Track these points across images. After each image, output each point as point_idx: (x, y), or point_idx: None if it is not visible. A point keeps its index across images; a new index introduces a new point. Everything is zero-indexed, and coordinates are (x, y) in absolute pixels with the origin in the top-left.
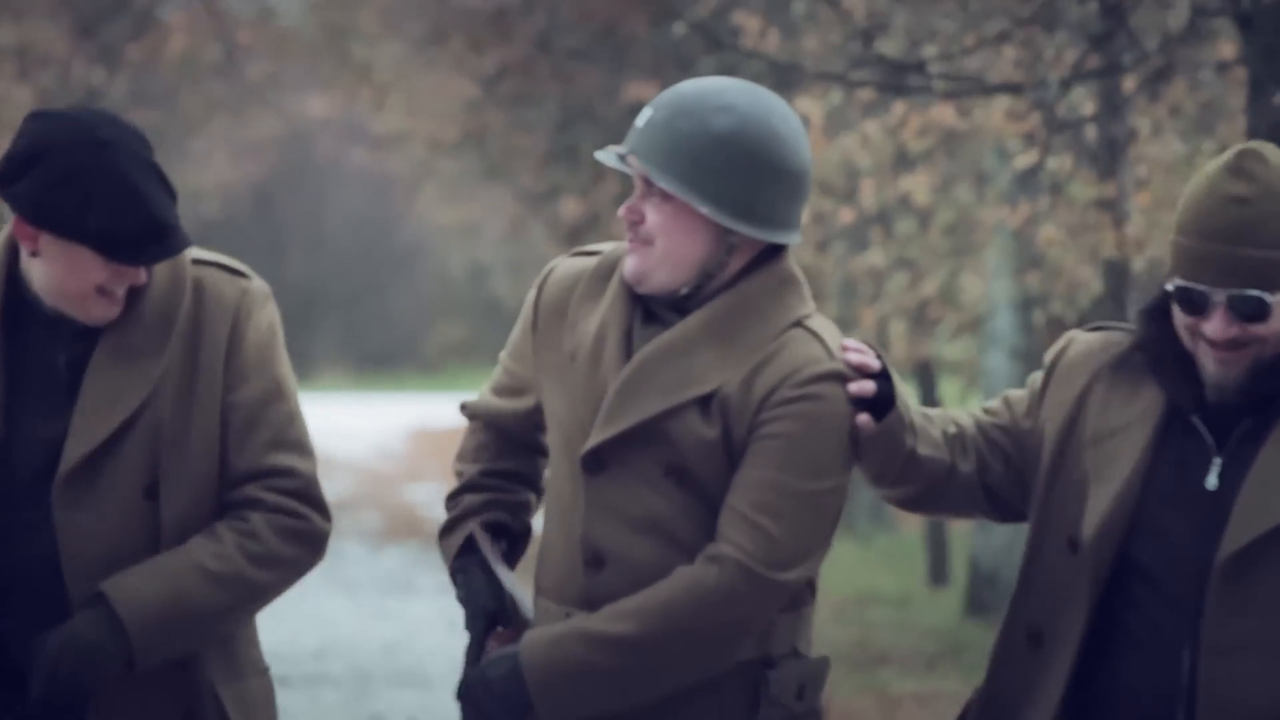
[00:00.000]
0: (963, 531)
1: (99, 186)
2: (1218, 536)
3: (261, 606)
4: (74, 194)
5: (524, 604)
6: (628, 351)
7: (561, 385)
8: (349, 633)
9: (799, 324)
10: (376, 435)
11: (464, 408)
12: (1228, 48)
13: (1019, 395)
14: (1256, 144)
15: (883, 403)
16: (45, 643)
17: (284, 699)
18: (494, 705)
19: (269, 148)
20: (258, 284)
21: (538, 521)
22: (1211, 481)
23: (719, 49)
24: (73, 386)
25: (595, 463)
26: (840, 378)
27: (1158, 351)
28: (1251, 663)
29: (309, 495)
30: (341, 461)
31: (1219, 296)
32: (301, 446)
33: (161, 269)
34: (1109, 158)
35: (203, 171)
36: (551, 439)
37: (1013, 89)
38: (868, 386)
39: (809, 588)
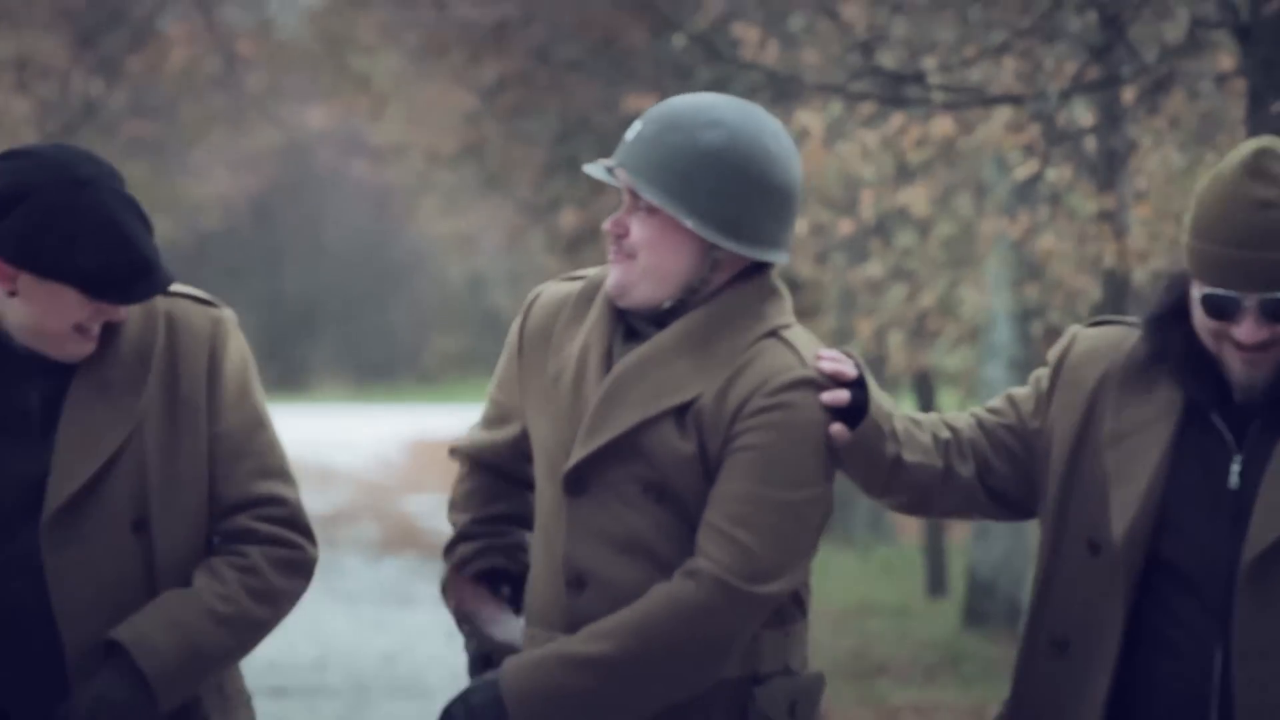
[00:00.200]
0: (961, 542)
1: (84, 226)
2: (1243, 536)
3: (261, 641)
4: (59, 235)
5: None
6: (608, 370)
7: (546, 409)
8: (347, 643)
9: (773, 333)
10: (375, 446)
11: (453, 451)
12: (1226, 59)
13: (1024, 394)
14: (1269, 141)
15: (858, 412)
16: (73, 709)
17: (283, 710)
18: None
19: (268, 160)
20: (227, 313)
21: None
22: (1233, 480)
23: (718, 60)
24: (47, 423)
25: (577, 483)
26: (813, 385)
27: (1176, 355)
28: None
29: (299, 523)
30: (340, 472)
31: (1249, 301)
32: (285, 473)
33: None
34: (1108, 169)
35: (202, 183)
36: (537, 465)
37: (1012, 100)
38: (841, 395)
39: (798, 605)
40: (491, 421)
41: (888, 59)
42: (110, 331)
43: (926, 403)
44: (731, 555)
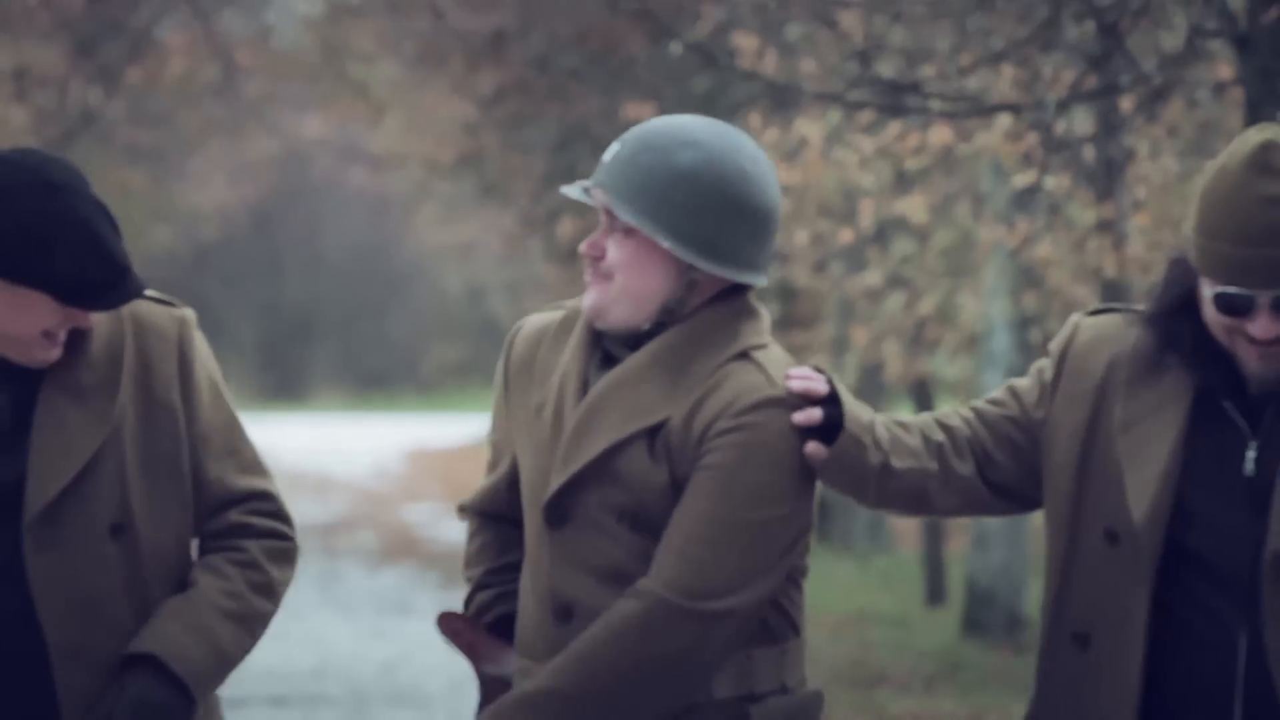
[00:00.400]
0: (960, 551)
1: (59, 232)
2: (1263, 524)
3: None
4: (34, 241)
5: None
6: (584, 396)
7: (530, 440)
8: (346, 652)
9: (744, 354)
10: (374, 455)
11: (460, 509)
12: (1225, 68)
13: (1026, 385)
14: (1273, 133)
15: (834, 428)
16: (114, 715)
17: (282, 719)
18: None
19: (267, 169)
20: (189, 312)
21: None
22: (1249, 467)
23: (716, 69)
24: (17, 427)
25: (557, 514)
26: (781, 404)
27: (1185, 345)
28: None
29: (284, 514)
30: (339, 481)
31: (1263, 298)
32: (262, 466)
33: None
34: (1106, 178)
35: (201, 193)
36: (523, 496)
37: (1010, 109)
38: (812, 414)
39: (789, 624)
40: (492, 465)
41: (886, 68)
42: (78, 335)
43: (924, 411)
44: (676, 572)
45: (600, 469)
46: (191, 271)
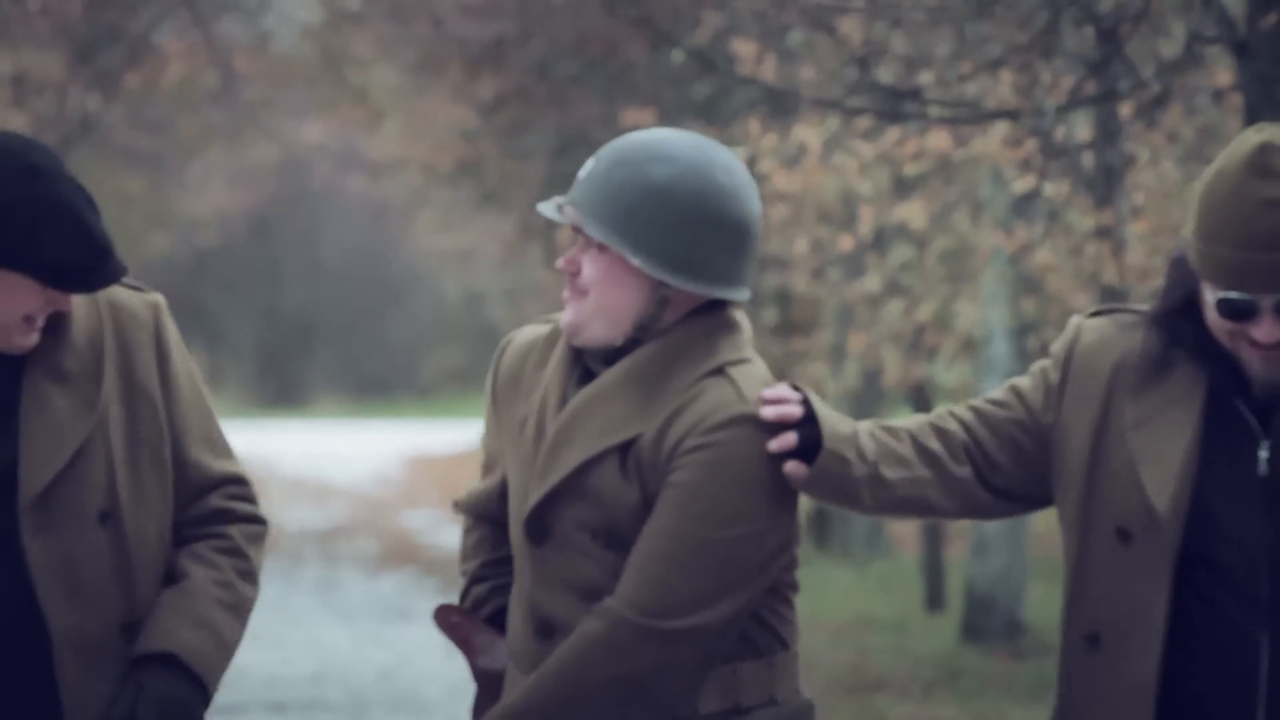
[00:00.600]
0: (959, 557)
1: (43, 215)
2: (1277, 524)
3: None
4: (18, 225)
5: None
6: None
7: (515, 454)
8: (346, 659)
9: (719, 370)
10: (373, 461)
11: (456, 505)
12: (1224, 74)
13: (1030, 386)
14: (1270, 134)
15: (814, 446)
16: (139, 714)
17: None
18: None
19: (266, 175)
20: (160, 297)
21: None
22: (1262, 468)
23: (715, 75)
24: (2, 413)
25: (538, 530)
26: (751, 422)
27: (1191, 346)
28: None
29: (254, 498)
30: (338, 488)
31: (1266, 302)
32: (231, 450)
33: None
34: (1105, 184)
35: (200, 199)
36: (509, 510)
37: (1009, 115)
38: (787, 440)
39: (775, 637)
40: (486, 469)
41: (885, 73)
42: (57, 321)
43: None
44: (639, 590)
45: (573, 486)
46: (191, 278)
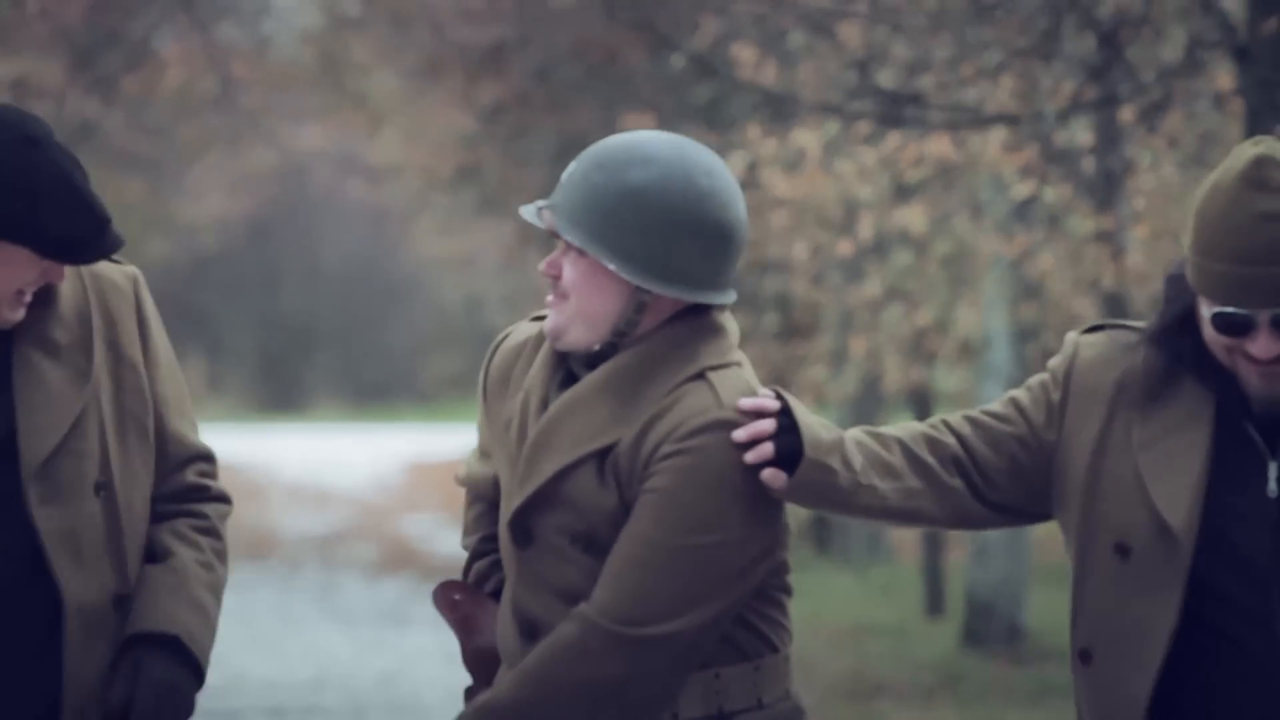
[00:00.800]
0: (959, 563)
1: (42, 186)
2: None
3: None
4: (17, 196)
5: None
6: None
7: (501, 455)
8: (345, 664)
9: (700, 375)
10: (372, 467)
11: (458, 479)
12: (1225, 79)
13: (1030, 402)
14: (1266, 147)
15: (798, 454)
16: (139, 697)
17: None
18: None
19: (265, 180)
20: (136, 269)
21: None
22: (1272, 488)
23: (715, 79)
24: None
25: (521, 533)
26: (728, 427)
27: (1192, 364)
28: None
29: (216, 475)
30: (337, 493)
31: (1262, 317)
32: (196, 425)
33: None
34: (1106, 189)
35: (199, 204)
36: (500, 506)
37: (1009, 120)
38: (764, 450)
39: (762, 641)
40: (483, 454)
41: (885, 78)
42: (44, 293)
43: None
44: (612, 597)
45: (552, 493)
46: (190, 283)
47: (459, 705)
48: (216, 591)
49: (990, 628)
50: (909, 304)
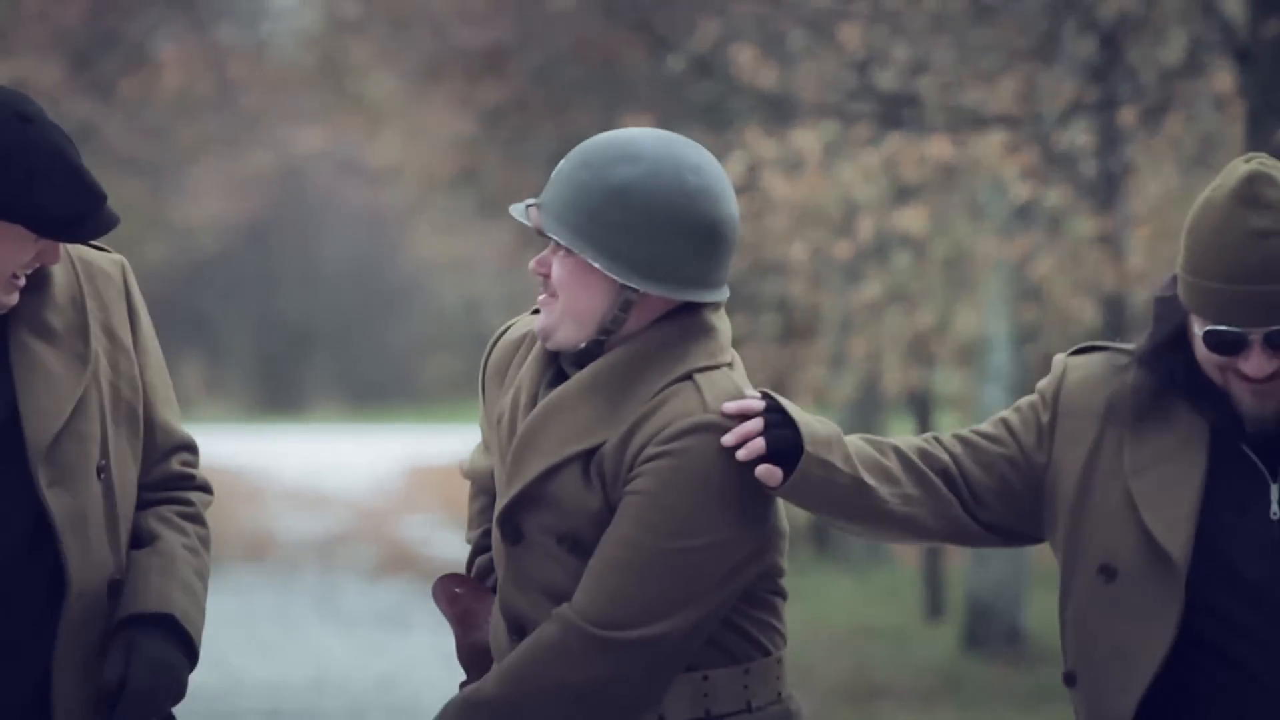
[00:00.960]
0: (959, 565)
1: (39, 163)
2: None
3: None
4: (13, 173)
5: None
6: None
7: (495, 450)
8: (343, 667)
9: (688, 376)
10: (371, 469)
11: (462, 470)
12: (1226, 81)
13: (1020, 424)
14: (1259, 163)
15: (792, 452)
16: (133, 674)
17: None
18: None
19: (264, 182)
20: (122, 256)
21: None
22: (1275, 510)
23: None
24: None
25: (511, 530)
26: (712, 429)
27: (1184, 384)
28: None
29: (199, 464)
30: (336, 495)
31: (1255, 335)
32: (179, 414)
33: None
34: (1107, 191)
35: (198, 206)
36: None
37: (1009, 121)
38: (755, 446)
39: (752, 644)
40: (485, 448)
41: (885, 79)
42: (37, 279)
43: (924, 425)
44: (592, 599)
45: (537, 493)
46: (189, 285)
47: None
48: (203, 576)
49: (990, 630)
50: (909, 306)
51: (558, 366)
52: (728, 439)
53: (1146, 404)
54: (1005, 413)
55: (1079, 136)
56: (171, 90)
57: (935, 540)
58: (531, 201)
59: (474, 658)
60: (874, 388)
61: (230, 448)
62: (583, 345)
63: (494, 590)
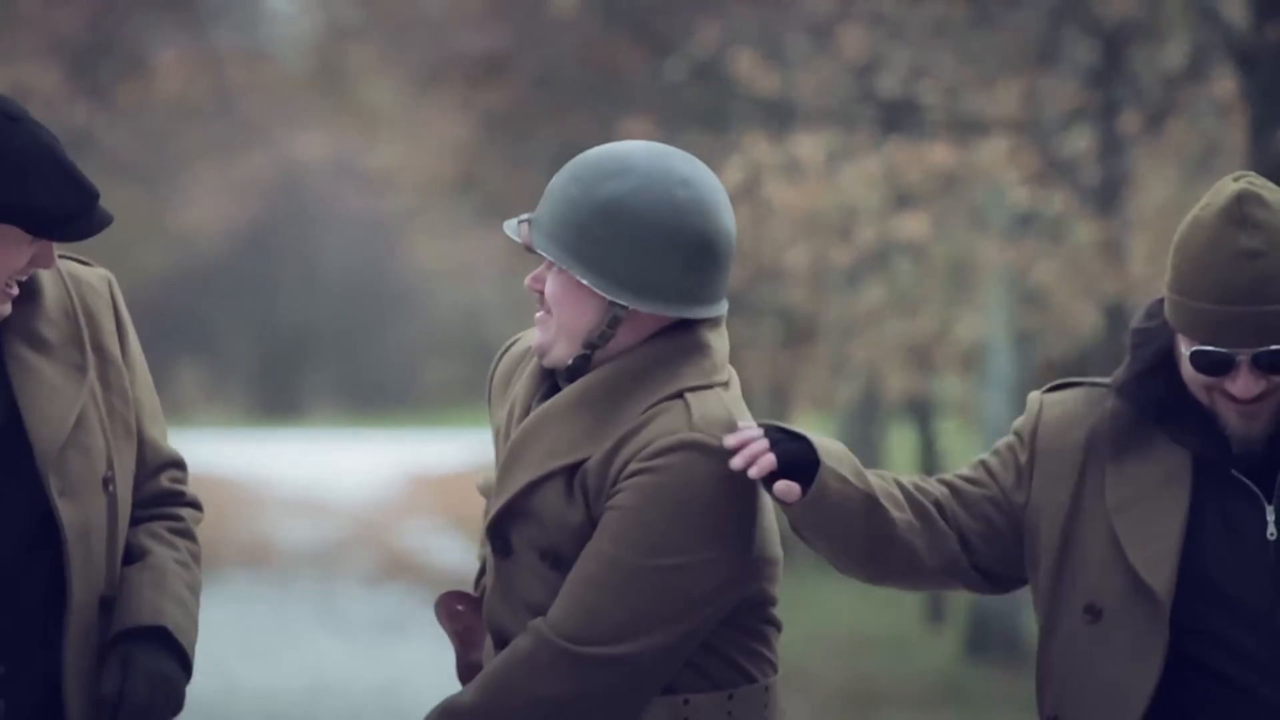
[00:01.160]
0: None
1: (29, 161)
2: None
3: None
4: (5, 172)
5: None
6: None
7: (496, 462)
8: (342, 673)
9: (679, 394)
10: (370, 475)
11: (479, 487)
12: (1227, 87)
13: (999, 465)
14: (1248, 182)
15: (804, 467)
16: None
17: None
18: None
19: (263, 189)
20: (108, 271)
21: None
22: (1271, 530)
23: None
24: None
25: (500, 543)
26: (696, 448)
27: (1166, 412)
28: None
29: (188, 480)
30: (335, 502)
31: (1243, 356)
32: (166, 432)
33: None
34: (1108, 197)
35: (197, 212)
36: None
37: (1010, 126)
38: (766, 462)
39: (735, 669)
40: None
41: (887, 83)
42: (28, 290)
43: (925, 432)
44: (566, 614)
45: (521, 506)
46: (188, 290)
47: None
48: (195, 590)
49: (991, 637)
50: (910, 312)
51: (552, 381)
52: (736, 461)
53: (1126, 435)
54: (984, 455)
55: (1080, 142)
56: (170, 96)
57: (931, 579)
58: (525, 217)
59: (473, 675)
60: (874, 394)
61: (229, 454)
62: (569, 362)
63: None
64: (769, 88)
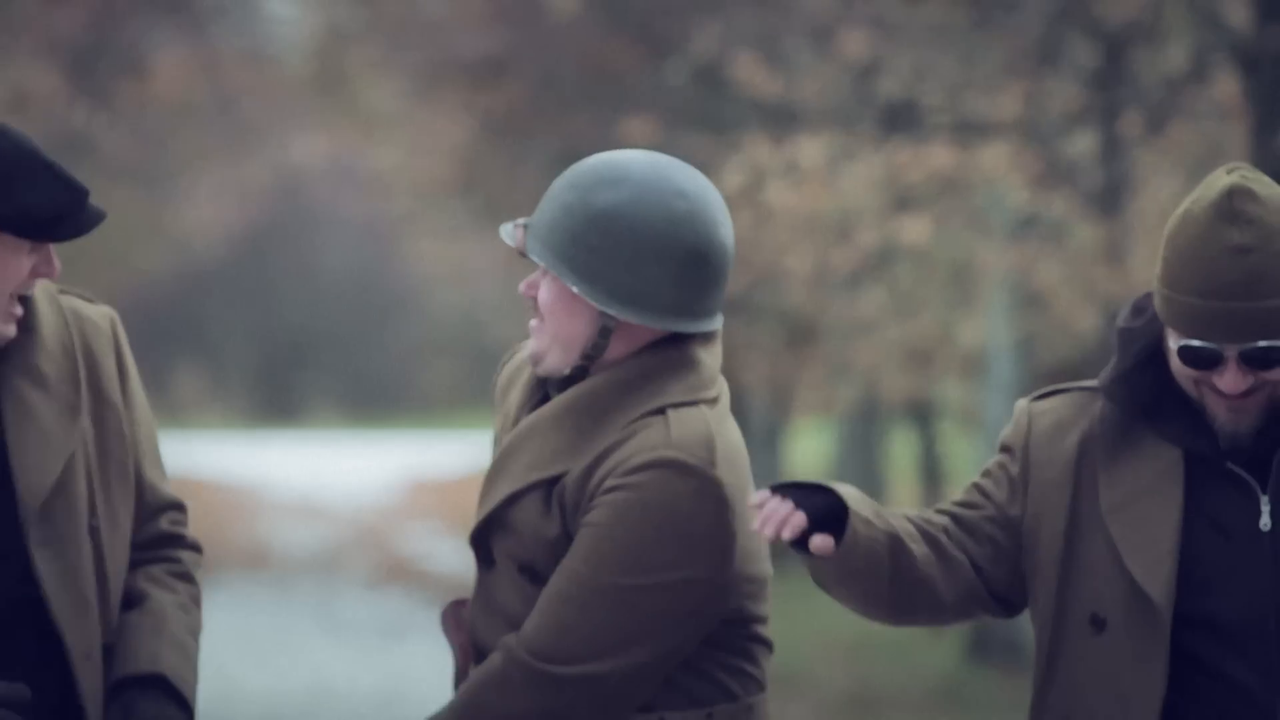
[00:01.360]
0: None
1: (14, 164)
2: None
3: None
4: None
5: None
6: None
7: None
8: (342, 678)
9: (661, 410)
10: (370, 478)
11: None
12: (1228, 89)
13: (991, 483)
14: (1241, 175)
15: (824, 519)
16: None
17: None
18: None
19: (263, 192)
20: (112, 310)
21: None
22: (1264, 522)
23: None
24: None
25: (483, 555)
26: (673, 466)
27: (1154, 410)
28: None
29: (188, 523)
30: (335, 505)
31: (1231, 351)
32: (165, 475)
33: (39, 294)
34: (1109, 200)
35: (197, 215)
36: None
37: (1012, 130)
38: (797, 521)
39: (716, 687)
40: None
41: (888, 85)
42: (27, 319)
43: (925, 435)
44: (536, 631)
45: (501, 518)
46: (187, 293)
47: None
48: (195, 634)
49: (994, 640)
50: (910, 315)
51: (545, 391)
52: (766, 531)
53: (1117, 436)
54: (976, 478)
55: (1082, 145)
56: (170, 98)
57: (952, 610)
58: (521, 221)
59: None
60: (875, 397)
61: (228, 457)
62: (566, 372)
63: None
64: (769, 90)
